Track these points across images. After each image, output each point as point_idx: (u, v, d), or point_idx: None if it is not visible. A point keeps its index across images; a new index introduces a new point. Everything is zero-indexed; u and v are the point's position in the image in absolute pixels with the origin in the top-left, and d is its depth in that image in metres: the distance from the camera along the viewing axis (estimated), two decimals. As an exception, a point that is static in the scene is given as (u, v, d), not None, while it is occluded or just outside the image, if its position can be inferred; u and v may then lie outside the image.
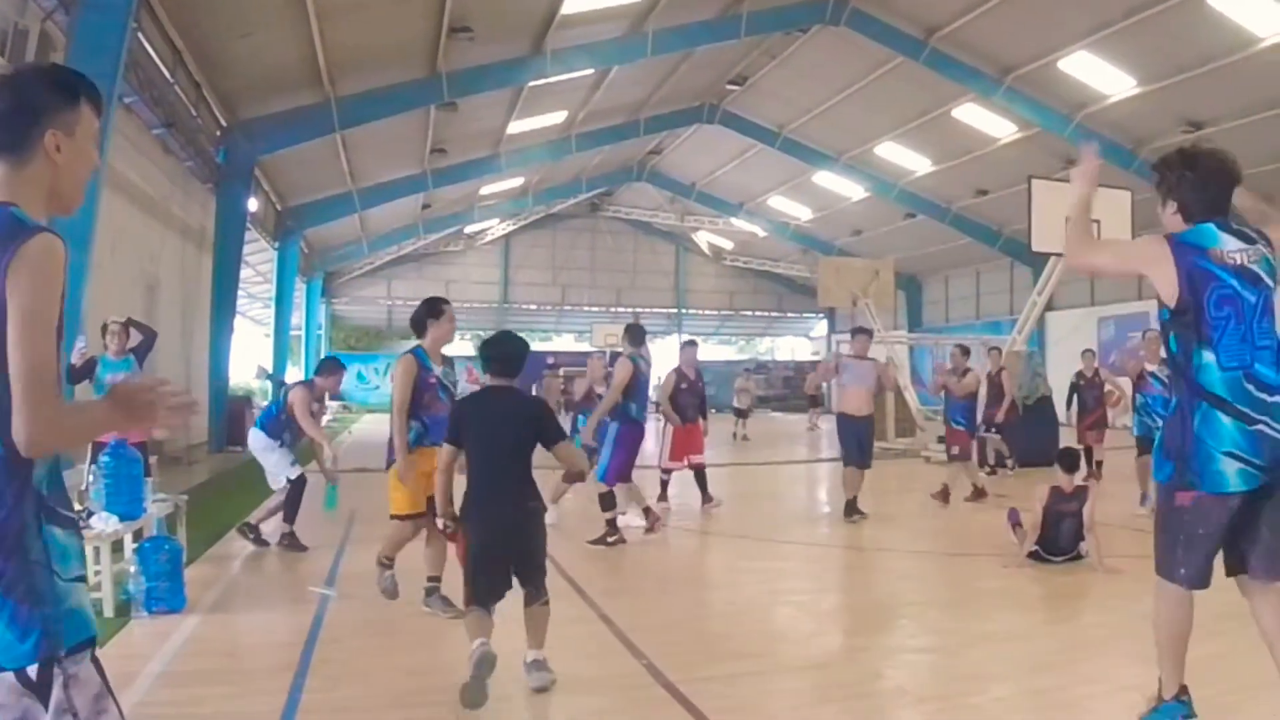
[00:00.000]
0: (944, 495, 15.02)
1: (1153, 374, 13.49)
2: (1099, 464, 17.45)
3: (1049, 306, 27.75)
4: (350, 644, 7.08)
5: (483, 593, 6.05)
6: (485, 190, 44.20)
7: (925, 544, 11.75)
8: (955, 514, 14.71)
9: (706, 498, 14.53)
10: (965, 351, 17.12)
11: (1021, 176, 22.86)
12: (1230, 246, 4.79)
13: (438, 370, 8.27)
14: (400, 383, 7.99)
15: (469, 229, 53.62)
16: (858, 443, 13.71)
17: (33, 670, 2.58)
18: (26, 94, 2.74)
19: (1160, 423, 9.78)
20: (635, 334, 12.65)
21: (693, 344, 15.59)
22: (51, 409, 2.52)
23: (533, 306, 58.05)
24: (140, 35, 16.85)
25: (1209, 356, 4.64)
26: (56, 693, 2.60)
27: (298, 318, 46.59)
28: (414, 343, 8.43)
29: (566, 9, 24.26)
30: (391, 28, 22.39)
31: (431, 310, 8.61)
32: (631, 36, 27.70)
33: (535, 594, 6.16)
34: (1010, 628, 7.84)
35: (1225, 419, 4.60)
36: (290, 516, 11.04)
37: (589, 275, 60.00)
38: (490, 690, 5.73)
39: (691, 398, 14.66)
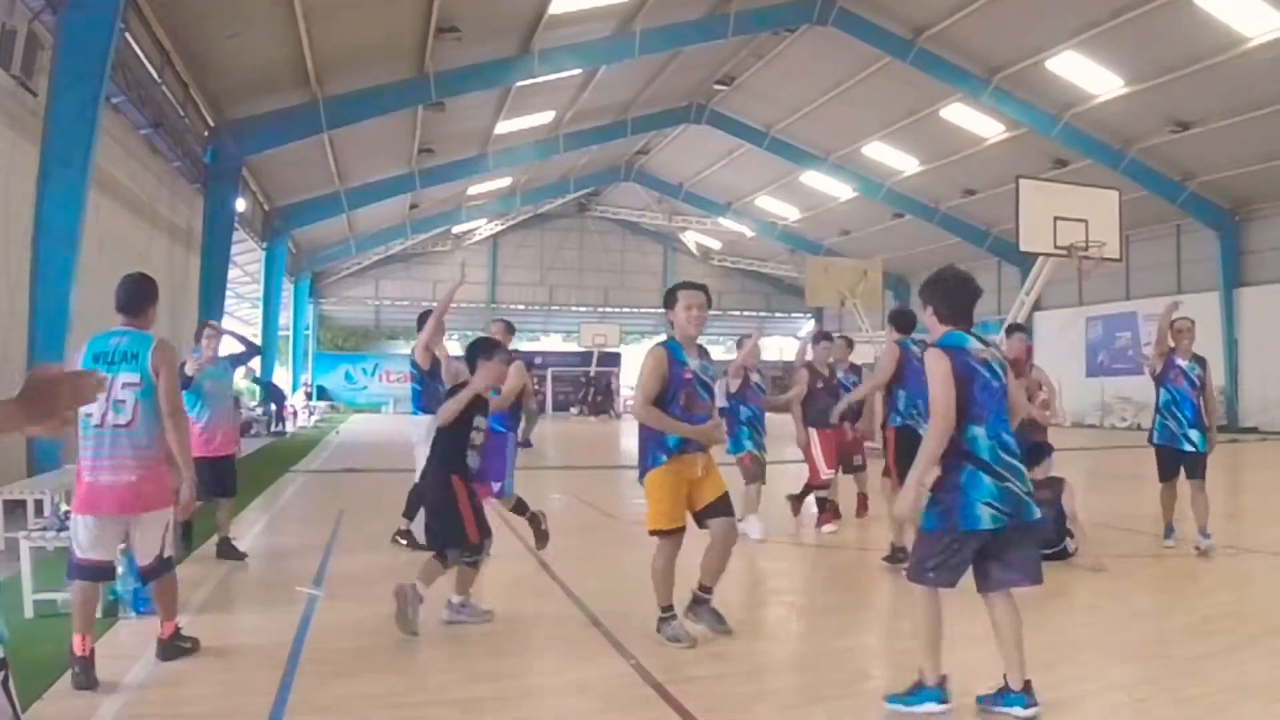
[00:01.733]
0: None
1: (1186, 367, 10.66)
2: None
3: (1037, 306, 27.81)
4: (338, 643, 7.07)
5: None
6: (473, 190, 44.24)
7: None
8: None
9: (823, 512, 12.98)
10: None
11: (1009, 176, 22.91)
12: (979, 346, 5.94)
13: (694, 364, 7.26)
14: (647, 378, 7.09)
15: (457, 229, 53.63)
16: None
17: None
18: None
19: (1188, 428, 9.72)
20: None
21: (827, 337, 13.88)
22: None
23: (520, 306, 57.97)
24: (128, 35, 16.82)
25: (979, 430, 5.71)
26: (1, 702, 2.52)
27: (285, 318, 46.54)
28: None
29: (554, 9, 24.27)
30: (379, 28, 22.38)
31: (669, 299, 7.59)
32: (619, 36, 27.71)
33: None
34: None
35: (987, 478, 5.63)
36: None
37: (576, 275, 60.00)
38: (484, 691, 5.73)
39: (829, 398, 12.73)
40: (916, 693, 5.81)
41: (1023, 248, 20.34)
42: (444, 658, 6.90)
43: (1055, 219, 19.64)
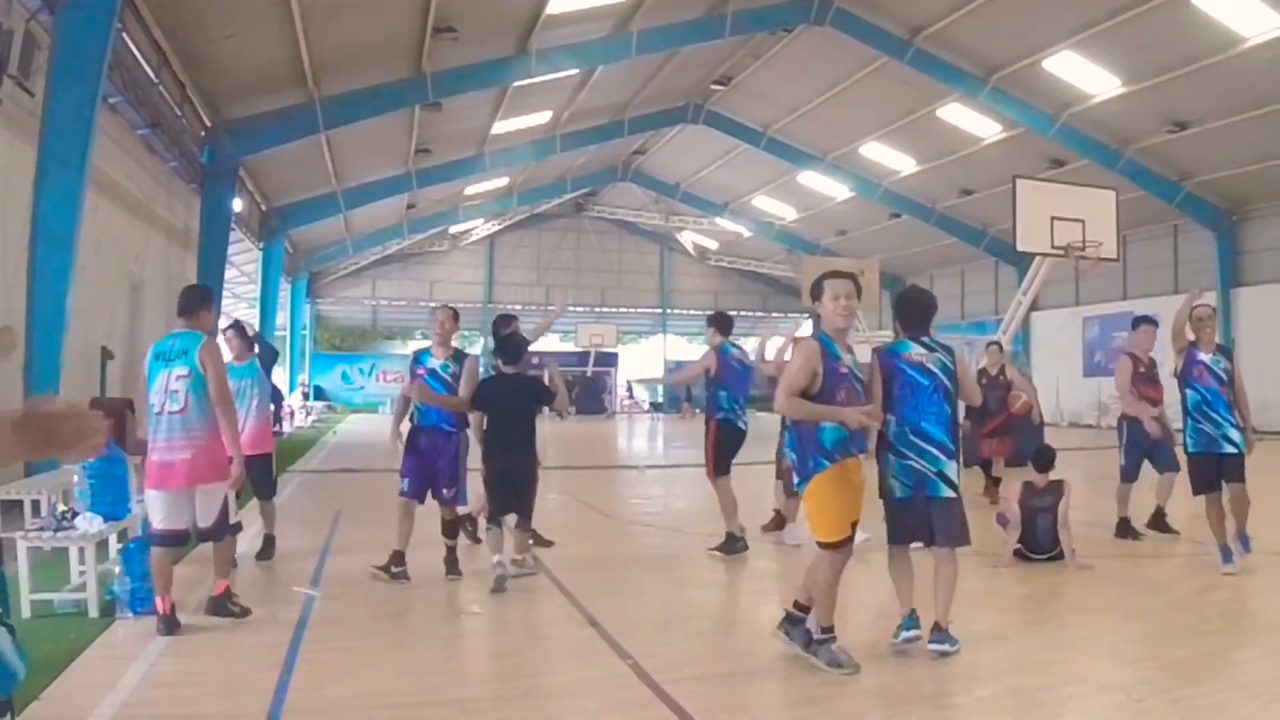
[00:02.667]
0: None
1: (1210, 361, 9.91)
2: (997, 481, 14.73)
3: (1034, 306, 27.83)
4: (335, 644, 7.07)
5: None
6: (470, 190, 44.21)
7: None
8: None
9: None
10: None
11: (1006, 176, 22.88)
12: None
13: (847, 358, 6.74)
14: (796, 372, 6.55)
15: (454, 229, 53.61)
16: None
17: None
18: None
19: (1227, 428, 9.37)
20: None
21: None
22: None
23: (517, 307, 57.82)
24: (125, 35, 16.80)
25: (892, 418, 6.96)
26: None
27: (282, 318, 46.45)
28: None
29: (551, 9, 24.25)
30: (376, 28, 22.37)
31: (815, 290, 6.94)
32: (616, 36, 27.69)
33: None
34: (993, 628, 7.85)
35: (893, 457, 6.96)
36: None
37: (574, 275, 59.95)
38: (482, 691, 5.74)
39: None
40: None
41: (1020, 248, 20.32)
42: (442, 658, 6.90)
43: (1052, 219, 19.62)
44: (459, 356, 9.66)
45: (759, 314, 63.45)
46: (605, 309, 59.69)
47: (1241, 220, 35.08)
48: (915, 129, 34.90)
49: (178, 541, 7.58)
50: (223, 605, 7.57)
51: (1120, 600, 8.68)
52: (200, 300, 8.02)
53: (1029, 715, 5.75)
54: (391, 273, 57.53)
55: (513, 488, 9.21)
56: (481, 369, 10.57)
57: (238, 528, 8.58)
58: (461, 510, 9.81)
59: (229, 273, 29.52)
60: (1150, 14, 23.94)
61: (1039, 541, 10.04)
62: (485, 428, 9.40)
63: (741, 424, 11.22)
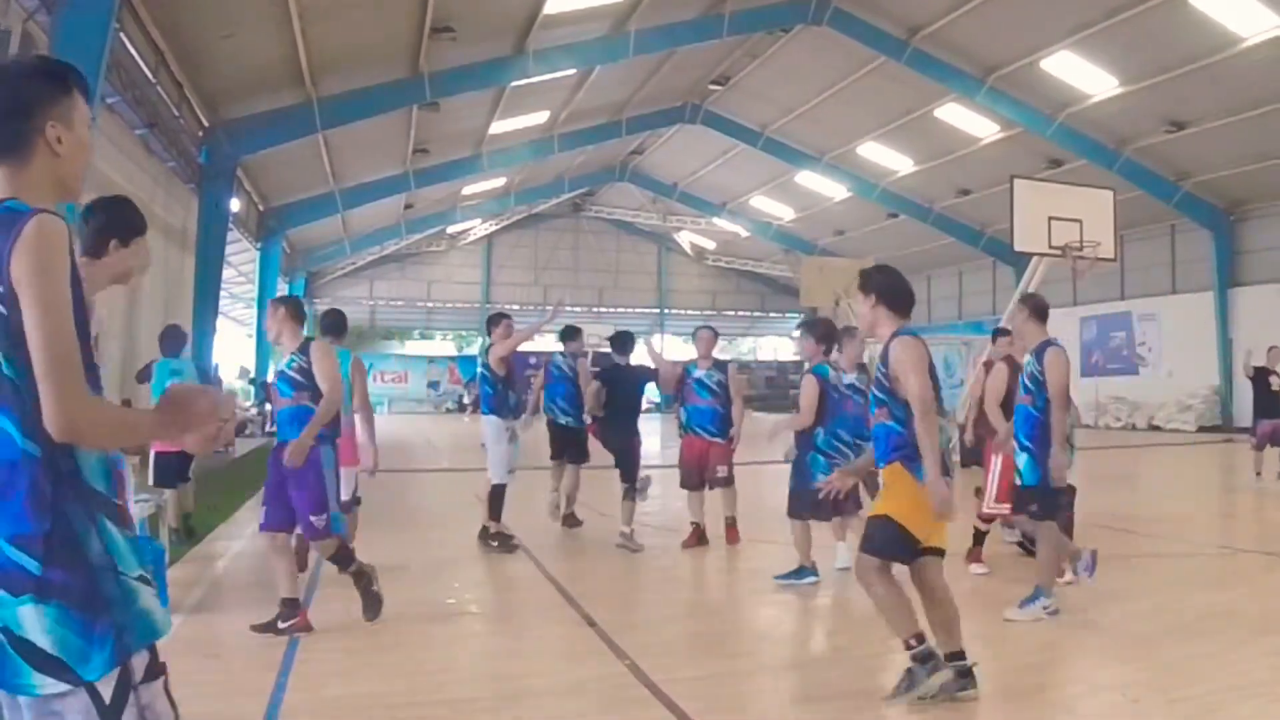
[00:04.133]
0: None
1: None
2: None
3: (1031, 306, 27.79)
4: (333, 644, 7.07)
5: None
6: (467, 190, 44.21)
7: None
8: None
9: None
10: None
11: (1004, 176, 22.91)
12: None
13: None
14: (919, 375, 5.92)
15: (451, 229, 53.60)
16: None
17: (107, 690, 2.49)
18: (21, 89, 2.65)
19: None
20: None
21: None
22: (76, 391, 2.44)
23: (515, 307, 57.84)
24: (122, 35, 16.79)
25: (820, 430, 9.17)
26: None
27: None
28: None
29: (549, 9, 24.27)
30: (373, 28, 22.37)
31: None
32: (614, 36, 27.71)
33: None
34: (990, 627, 7.85)
35: (821, 458, 9.01)
36: (496, 514, 11.07)
37: (571, 275, 59.93)
38: (479, 691, 5.75)
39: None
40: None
41: (1017, 248, 20.32)
42: (438, 658, 6.90)
43: (1050, 219, 19.62)
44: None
45: (757, 314, 63.49)
46: (603, 309, 59.66)
47: (1239, 220, 35.08)
48: (913, 129, 34.93)
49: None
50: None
51: (1117, 600, 8.68)
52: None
53: (1026, 715, 5.75)
54: (389, 273, 57.53)
55: (626, 460, 11.61)
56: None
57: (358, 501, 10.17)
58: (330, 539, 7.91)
59: (226, 273, 29.47)
60: (1148, 14, 23.97)
61: None
62: (603, 412, 11.92)
63: (560, 421, 12.59)
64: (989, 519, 9.72)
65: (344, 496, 8.79)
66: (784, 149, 40.26)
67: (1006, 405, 9.07)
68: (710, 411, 11.24)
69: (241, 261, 38.49)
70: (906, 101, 32.78)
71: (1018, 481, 8.22)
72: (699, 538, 11.18)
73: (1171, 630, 7.54)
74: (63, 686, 2.44)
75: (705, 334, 11.79)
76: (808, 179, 43.04)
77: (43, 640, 2.43)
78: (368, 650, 6.95)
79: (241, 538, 11.47)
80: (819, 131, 37.96)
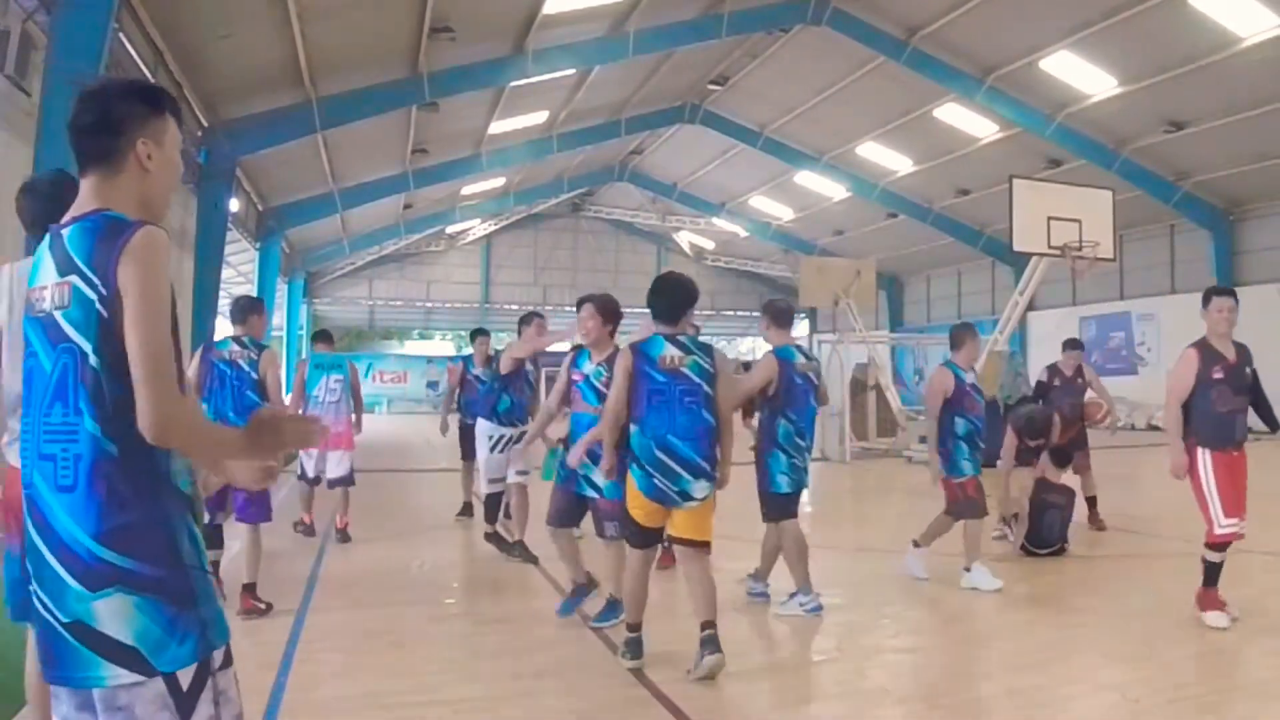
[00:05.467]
0: None
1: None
2: (1091, 500, 12.39)
3: (1030, 306, 27.82)
4: (332, 644, 7.08)
5: None
6: (467, 190, 44.16)
7: (906, 544, 11.76)
8: (936, 514, 14.73)
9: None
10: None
11: (1003, 176, 22.93)
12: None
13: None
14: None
15: (450, 229, 53.58)
16: None
17: (186, 677, 2.61)
18: (115, 105, 2.78)
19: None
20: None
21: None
22: (173, 394, 2.58)
23: (514, 306, 57.81)
24: (121, 35, 16.78)
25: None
26: (204, 709, 2.63)
27: (279, 318, 46.47)
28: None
29: (548, 9, 24.24)
30: (373, 28, 22.34)
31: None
32: (613, 36, 27.68)
33: None
34: (991, 627, 7.86)
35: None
36: (490, 518, 11.05)
37: (570, 275, 59.88)
38: (478, 691, 5.75)
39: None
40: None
41: (1016, 248, 20.34)
42: (437, 659, 6.90)
43: (1049, 219, 19.64)
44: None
45: (755, 314, 63.33)
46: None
47: (1238, 220, 35.09)
48: (912, 129, 34.90)
49: (317, 483, 12.05)
50: (346, 536, 11.77)
51: (1117, 600, 8.68)
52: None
53: (1027, 715, 5.75)
54: (388, 273, 57.50)
55: None
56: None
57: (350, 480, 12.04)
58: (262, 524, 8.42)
59: (226, 273, 29.43)
60: (1147, 14, 23.95)
61: (1044, 536, 10.15)
62: None
63: (468, 420, 13.30)
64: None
65: (341, 473, 11.85)
66: (783, 149, 40.22)
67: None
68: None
69: (240, 262, 38.46)
70: (906, 101, 32.77)
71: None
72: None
73: (1172, 630, 7.55)
74: (134, 678, 2.54)
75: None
76: (807, 179, 43.00)
77: (121, 632, 2.54)
78: (367, 650, 6.95)
79: (237, 538, 11.47)
80: (818, 131, 37.93)
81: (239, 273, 41.04)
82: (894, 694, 6.18)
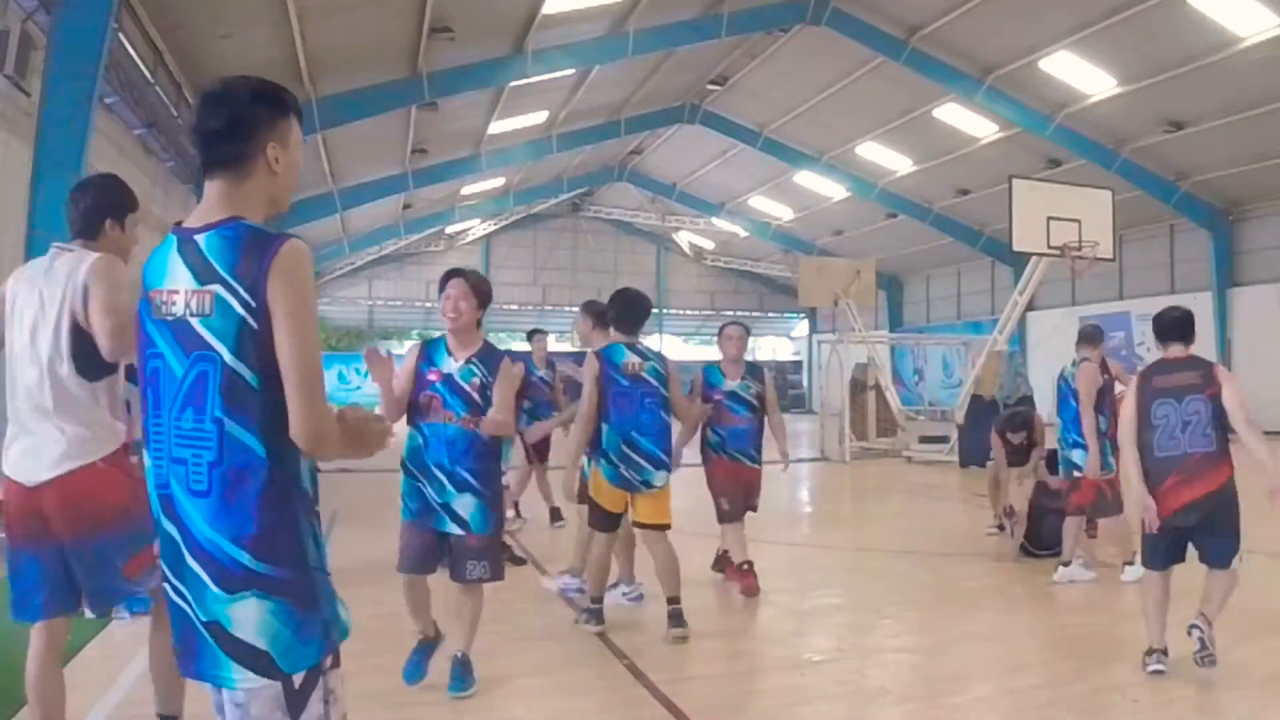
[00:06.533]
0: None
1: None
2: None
3: (1030, 306, 27.82)
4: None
5: None
6: (466, 190, 44.13)
7: (906, 544, 11.78)
8: (937, 515, 14.77)
9: None
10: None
11: (1003, 176, 22.95)
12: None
13: None
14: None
15: (450, 229, 53.51)
16: None
17: (299, 679, 2.71)
18: (244, 110, 2.82)
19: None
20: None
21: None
22: (325, 405, 2.72)
23: (514, 306, 57.79)
24: (121, 35, 16.77)
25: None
26: (314, 707, 2.74)
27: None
28: None
29: (547, 9, 24.24)
30: (372, 28, 22.33)
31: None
32: (612, 36, 27.68)
33: None
34: (991, 628, 7.87)
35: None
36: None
37: (570, 275, 59.85)
38: (477, 691, 5.77)
39: None
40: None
41: (1016, 247, 20.36)
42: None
43: (1048, 219, 19.66)
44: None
45: (755, 314, 63.39)
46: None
47: (1238, 220, 35.07)
48: (912, 129, 34.89)
49: None
50: None
51: (1116, 600, 8.69)
52: None
53: (1026, 715, 5.76)
54: (388, 273, 57.41)
55: None
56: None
57: None
58: None
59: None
60: (1147, 14, 23.95)
61: (1044, 539, 10.18)
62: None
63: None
64: None
65: None
66: (783, 149, 40.20)
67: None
68: (750, 432, 9.27)
69: (240, 261, 38.50)
70: (905, 101, 32.76)
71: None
72: (755, 576, 9.03)
73: (1171, 630, 7.55)
74: (260, 682, 2.67)
75: (735, 331, 9.50)
76: (806, 179, 42.97)
77: (254, 636, 2.66)
78: (367, 650, 6.94)
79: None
80: (818, 131, 37.91)
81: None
82: (894, 694, 6.18)
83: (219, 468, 2.63)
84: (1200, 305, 33.44)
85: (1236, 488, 6.62)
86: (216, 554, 2.64)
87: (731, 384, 9.22)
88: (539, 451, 12.71)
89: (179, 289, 2.72)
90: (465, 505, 5.97)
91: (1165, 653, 6.36)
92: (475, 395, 5.97)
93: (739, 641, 7.41)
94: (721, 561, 9.84)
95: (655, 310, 45.72)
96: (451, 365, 6.05)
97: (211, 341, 2.65)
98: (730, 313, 61.94)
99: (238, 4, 18.97)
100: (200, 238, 2.73)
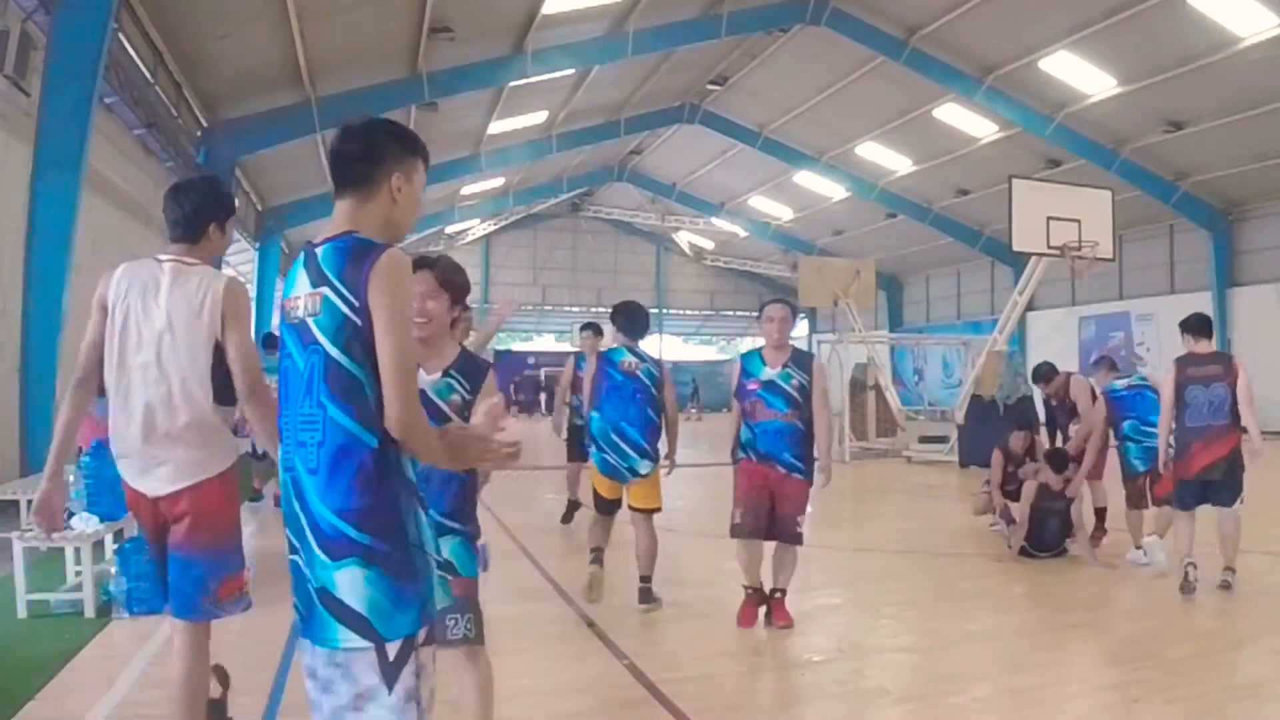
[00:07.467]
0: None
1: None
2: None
3: (1030, 306, 27.85)
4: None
5: None
6: (466, 190, 44.11)
7: (906, 544, 11.78)
8: (937, 514, 14.77)
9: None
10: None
11: (1002, 176, 22.94)
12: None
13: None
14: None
15: (450, 229, 53.43)
16: None
17: (393, 648, 2.94)
18: (378, 140, 3.22)
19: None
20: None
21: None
22: (415, 401, 2.97)
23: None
24: (120, 36, 16.77)
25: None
26: (407, 679, 2.97)
27: (278, 317, 46.42)
28: None
29: (547, 9, 24.25)
30: (372, 28, 22.33)
31: None
32: (612, 36, 27.70)
33: None
34: (990, 627, 7.87)
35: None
36: None
37: (570, 275, 59.91)
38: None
39: None
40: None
41: (1015, 248, 20.35)
42: (436, 658, 6.89)
43: (1048, 219, 19.65)
44: None
45: (754, 314, 63.00)
46: (601, 309, 59.34)
47: (1237, 220, 35.08)
48: (911, 129, 34.89)
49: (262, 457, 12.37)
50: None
51: (1116, 600, 8.70)
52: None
53: (1025, 715, 5.76)
54: (388, 273, 57.40)
55: None
56: None
57: None
58: None
59: (225, 272, 29.46)
60: (1146, 14, 23.95)
61: (1045, 541, 10.24)
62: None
63: (577, 421, 12.40)
64: None
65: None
66: (782, 149, 40.21)
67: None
68: (791, 430, 7.72)
69: (240, 261, 38.45)
70: (905, 101, 32.76)
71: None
72: (759, 604, 7.89)
73: (1170, 630, 7.56)
74: (362, 643, 2.92)
75: (777, 311, 8.19)
76: (806, 179, 42.98)
77: (355, 601, 2.92)
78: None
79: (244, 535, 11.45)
80: (817, 131, 37.92)
81: (238, 272, 40.97)
82: (893, 694, 6.18)
83: (324, 448, 2.95)
84: (1200, 305, 33.41)
85: (1242, 451, 8.63)
86: (325, 525, 2.95)
87: (770, 373, 7.81)
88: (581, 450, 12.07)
89: (300, 295, 3.10)
90: (445, 547, 4.44)
91: (1195, 565, 8.60)
92: (454, 417, 4.48)
93: (739, 641, 7.40)
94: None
95: (655, 310, 45.90)
96: (423, 380, 4.50)
97: (319, 336, 2.99)
98: (730, 313, 62.08)
99: (238, 4, 18.97)
100: (319, 249, 3.11)
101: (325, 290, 3.01)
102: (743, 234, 53.26)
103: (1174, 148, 30.73)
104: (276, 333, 3.51)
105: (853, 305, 28.06)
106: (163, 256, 4.72)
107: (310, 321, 3.03)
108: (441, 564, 5.59)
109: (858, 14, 28.74)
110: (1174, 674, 6.33)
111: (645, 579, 8.28)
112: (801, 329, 61.64)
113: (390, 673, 2.94)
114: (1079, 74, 28.05)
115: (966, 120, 32.92)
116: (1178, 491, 8.98)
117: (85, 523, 7.94)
